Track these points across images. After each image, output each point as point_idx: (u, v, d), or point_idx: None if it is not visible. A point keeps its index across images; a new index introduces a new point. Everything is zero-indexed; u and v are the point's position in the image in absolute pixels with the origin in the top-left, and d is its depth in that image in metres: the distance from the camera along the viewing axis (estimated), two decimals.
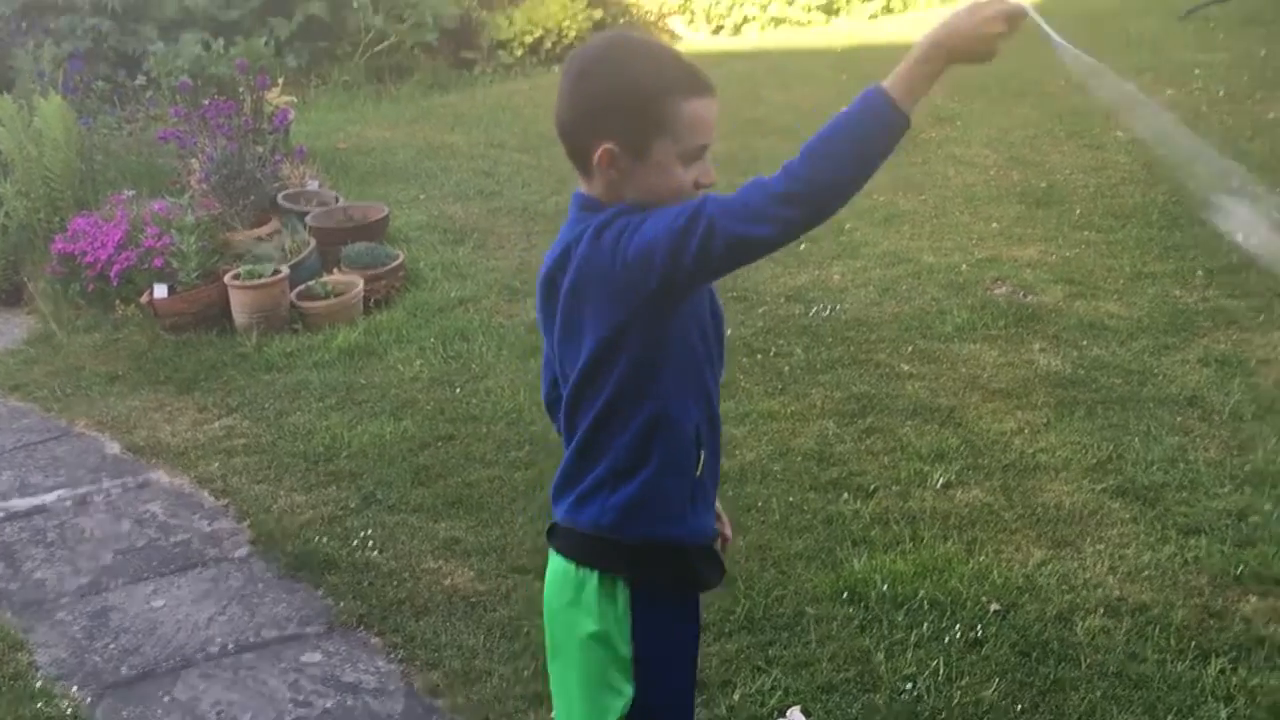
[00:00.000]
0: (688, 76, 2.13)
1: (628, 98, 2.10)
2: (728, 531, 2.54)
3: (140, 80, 9.87)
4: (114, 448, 5.52)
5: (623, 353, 2.14)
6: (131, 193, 7.47)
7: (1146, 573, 3.83)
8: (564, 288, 2.16)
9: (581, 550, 2.29)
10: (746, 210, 1.93)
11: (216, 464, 5.22)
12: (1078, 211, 7.02)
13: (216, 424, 5.63)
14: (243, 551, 4.54)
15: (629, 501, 2.23)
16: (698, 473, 2.25)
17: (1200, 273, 6.05)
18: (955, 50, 1.97)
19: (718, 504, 2.44)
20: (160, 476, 5.20)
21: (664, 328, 2.13)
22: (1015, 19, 1.97)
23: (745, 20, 14.04)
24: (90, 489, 5.14)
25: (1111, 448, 4.56)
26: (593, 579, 2.26)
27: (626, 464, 2.22)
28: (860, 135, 1.93)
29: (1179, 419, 4.74)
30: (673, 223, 1.98)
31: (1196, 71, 9.22)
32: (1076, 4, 12.50)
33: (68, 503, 5.04)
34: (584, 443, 2.25)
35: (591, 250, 2.08)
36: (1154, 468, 4.40)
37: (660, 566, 2.27)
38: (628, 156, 2.11)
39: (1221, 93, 8.66)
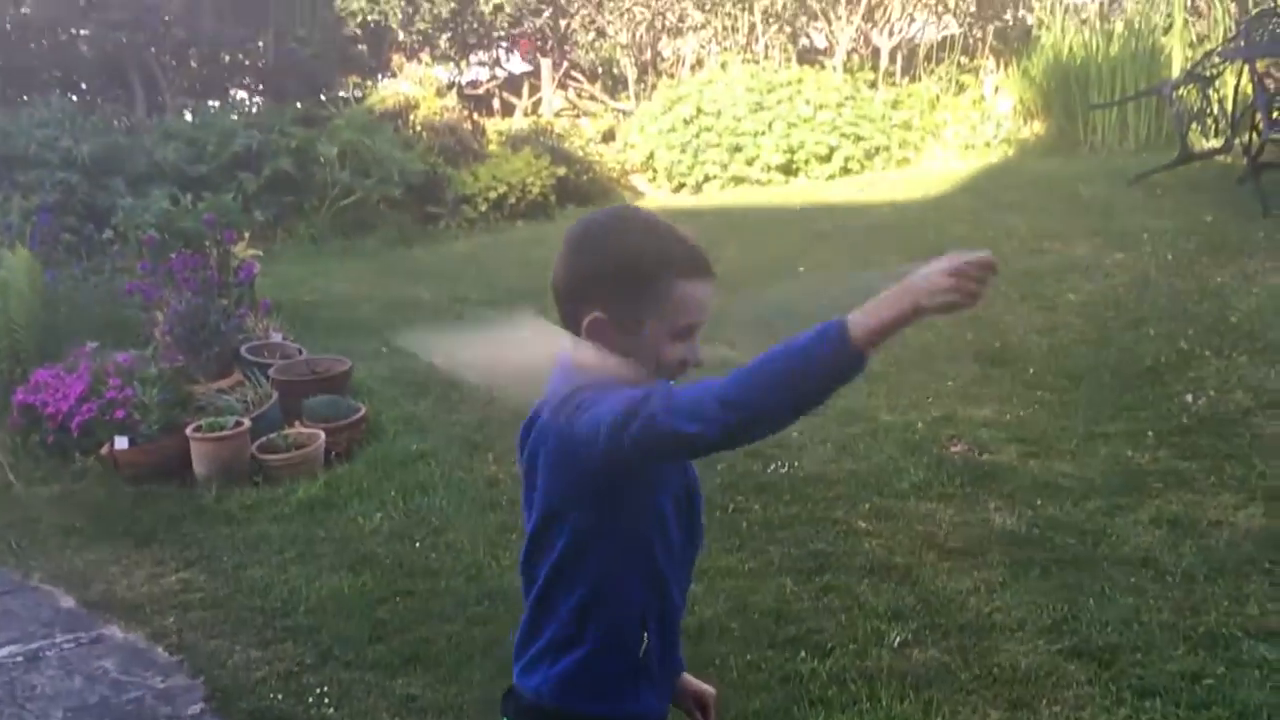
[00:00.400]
0: (688, 257, 2.15)
1: (625, 271, 2.13)
2: (702, 699, 2.50)
3: (108, 234, 9.96)
4: (69, 602, 5.47)
5: (566, 525, 2.16)
6: (95, 345, 7.49)
7: None
8: (527, 448, 2.21)
9: (522, 718, 2.29)
10: (689, 408, 1.91)
11: (172, 618, 5.17)
12: (1031, 371, 7.14)
13: (173, 577, 5.59)
14: (196, 709, 4.49)
15: (565, 675, 2.22)
16: (641, 655, 2.22)
17: (1151, 434, 6.15)
18: (926, 297, 1.84)
19: (688, 677, 2.44)
20: (114, 631, 5.15)
21: (609, 508, 2.13)
22: (989, 274, 1.86)
23: (706, 179, 14.33)
24: (43, 644, 5.08)
25: (1067, 608, 4.60)
26: None
27: (565, 636, 2.21)
28: (807, 367, 1.86)
29: (1133, 579, 4.78)
30: (621, 406, 1.97)
31: (1145, 236, 9.44)
32: (1031, 169, 12.88)
33: (19, 658, 4.97)
34: (534, 606, 2.26)
35: (550, 419, 2.12)
36: (1109, 629, 4.43)
37: None
38: (616, 328, 2.14)
39: (1169, 257, 8.86)
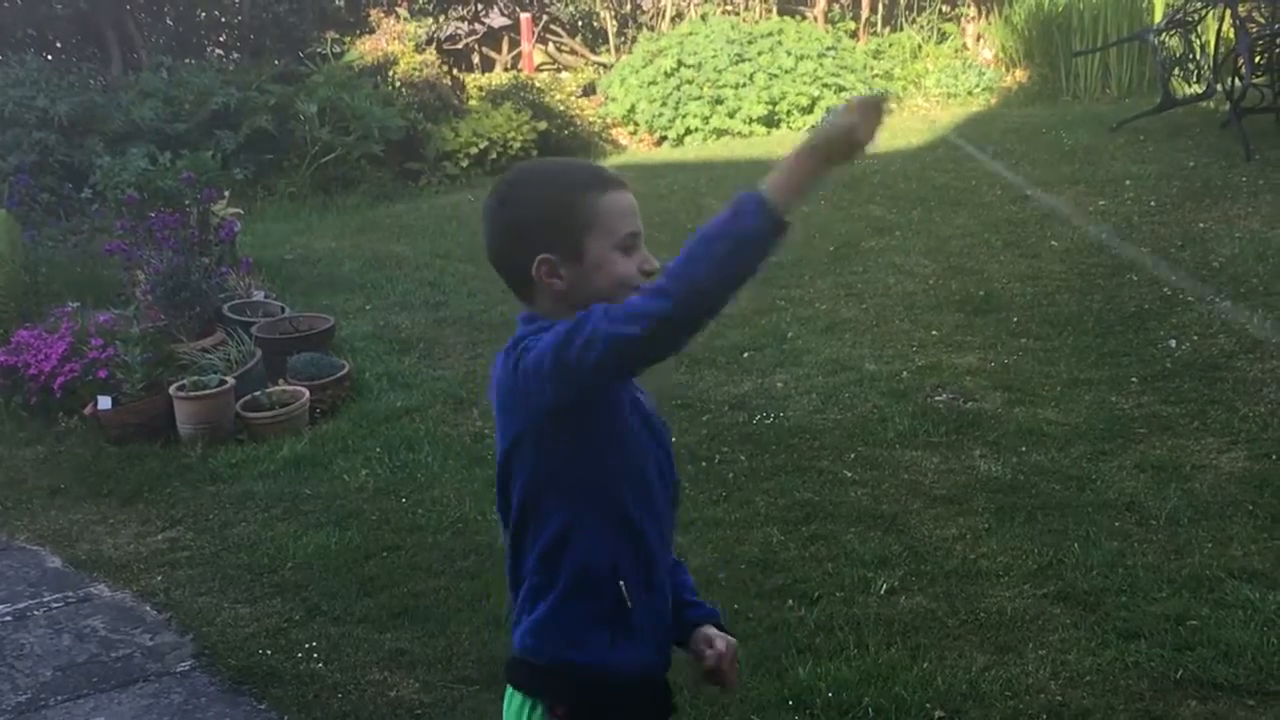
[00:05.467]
0: (595, 175, 2.22)
1: (548, 207, 2.17)
2: (708, 656, 2.36)
3: (86, 193, 9.89)
4: (55, 561, 5.47)
5: (523, 467, 2.16)
6: (76, 305, 7.46)
7: (1088, 678, 3.88)
8: (491, 394, 2.22)
9: (510, 670, 2.29)
10: (626, 312, 1.93)
11: (159, 577, 5.18)
12: (1015, 319, 7.15)
13: (160, 536, 5.59)
14: (185, 666, 4.50)
15: (538, 622, 2.21)
16: (625, 603, 2.19)
17: (1135, 379, 6.17)
18: (828, 147, 1.95)
19: (709, 629, 2.37)
20: (102, 590, 5.15)
21: (564, 450, 2.13)
22: (880, 107, 1.96)
23: (688, 132, 14.25)
24: (30, 604, 5.08)
25: (1052, 553, 4.62)
26: (515, 701, 2.25)
27: (537, 584, 2.21)
28: (735, 242, 1.90)
29: (1117, 524, 4.81)
30: (562, 331, 2.00)
31: (1128, 183, 9.44)
32: (1013, 117, 12.85)
33: (7, 618, 4.98)
34: (511, 554, 2.26)
35: (502, 363, 2.14)
36: (1094, 573, 4.46)
37: (571, 694, 2.21)
38: (566, 262, 2.15)
39: (1152, 203, 8.87)
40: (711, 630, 2.40)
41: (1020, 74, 14.94)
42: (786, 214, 1.90)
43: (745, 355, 6.98)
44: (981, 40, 15.96)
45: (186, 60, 13.93)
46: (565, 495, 2.16)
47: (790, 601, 4.45)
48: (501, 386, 2.16)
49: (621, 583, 2.19)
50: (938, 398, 6.19)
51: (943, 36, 16.14)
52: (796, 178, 1.93)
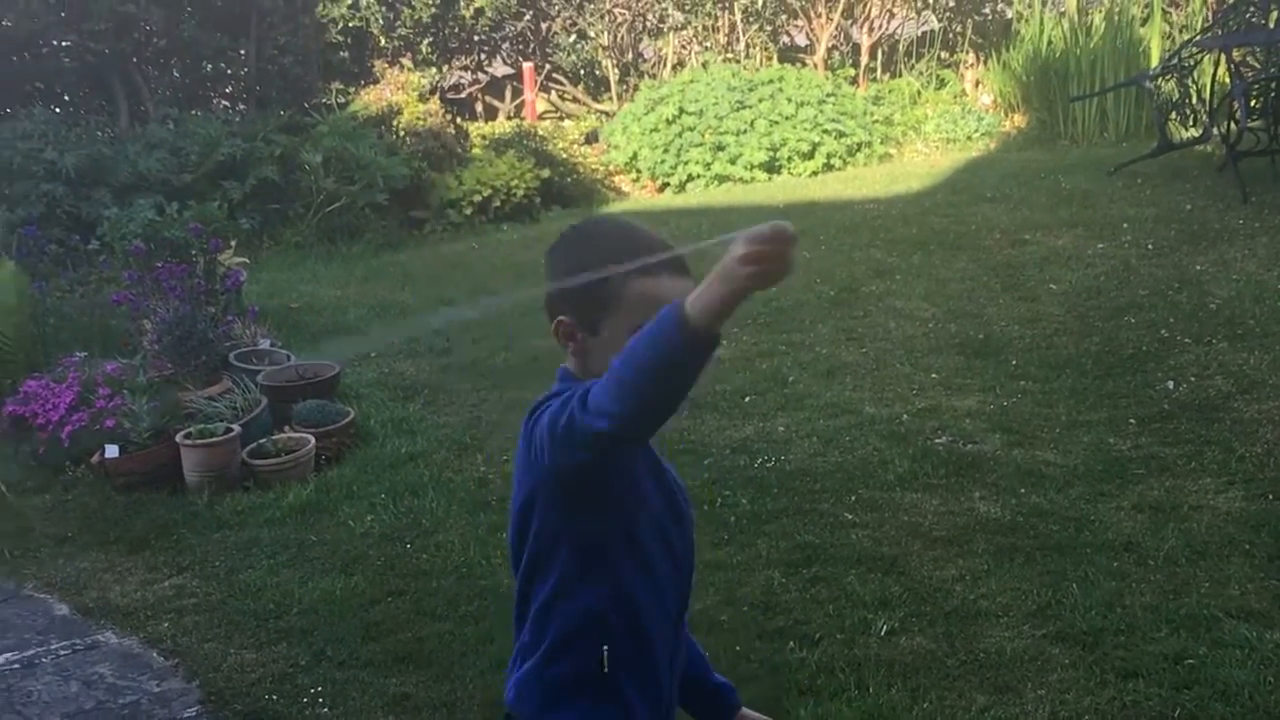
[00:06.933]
0: (646, 253, 2.12)
1: (581, 271, 2.13)
2: None
3: (94, 244, 9.97)
4: (63, 609, 5.51)
5: (530, 526, 2.20)
6: (83, 354, 7.53)
7: (1086, 717, 3.92)
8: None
9: None
10: (595, 405, 1.91)
11: (166, 623, 5.22)
12: (1014, 362, 7.21)
13: (166, 583, 5.63)
14: (192, 712, 4.53)
15: (522, 679, 2.26)
16: (603, 668, 2.21)
17: (1133, 421, 6.22)
18: (734, 280, 1.79)
19: (751, 713, 2.54)
20: (109, 637, 5.19)
21: (566, 515, 2.16)
22: (782, 240, 1.78)
23: (690, 178, 14.35)
24: (38, 651, 5.12)
25: (1051, 593, 4.66)
26: None
27: (528, 640, 2.26)
28: (664, 355, 1.83)
29: (1116, 564, 4.85)
30: (558, 405, 2.00)
31: (1125, 225, 9.52)
32: (1012, 161, 12.94)
33: (15, 665, 5.01)
34: (517, 606, 2.30)
35: (524, 422, 2.16)
36: (1092, 613, 4.50)
37: None
38: (581, 330, 2.18)
39: (1150, 246, 8.94)
40: (756, 716, 2.57)
41: (1019, 119, 15.06)
42: (707, 328, 1.80)
43: (747, 399, 7.03)
44: (980, 86, 16.09)
45: (193, 112, 14.05)
46: (566, 556, 2.19)
47: (791, 643, 4.49)
48: (520, 443, 2.17)
49: (605, 648, 2.21)
50: (937, 440, 6.24)
51: (941, 83, 16.27)
52: (714, 300, 1.79)
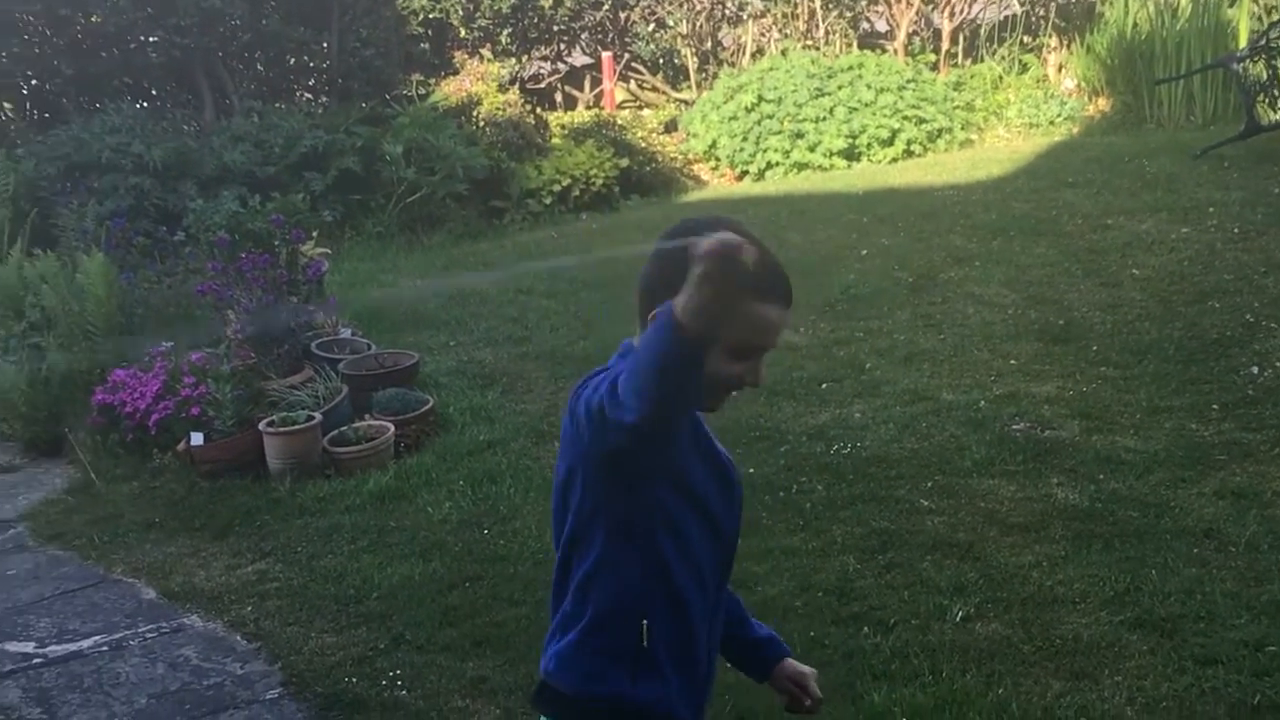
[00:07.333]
0: (760, 278, 2.06)
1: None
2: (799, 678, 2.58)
3: (180, 236, 10.14)
4: (150, 593, 5.64)
5: (571, 499, 2.21)
6: (169, 344, 7.66)
7: (1164, 704, 3.88)
8: None
9: (539, 694, 2.36)
10: (621, 398, 1.94)
11: (249, 607, 5.32)
12: (1095, 348, 7.13)
13: (250, 568, 5.73)
14: (274, 693, 4.62)
15: (562, 652, 2.27)
16: (644, 642, 2.23)
17: (1216, 406, 6.14)
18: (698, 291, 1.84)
19: (794, 665, 2.54)
20: (194, 621, 5.30)
21: (606, 491, 2.16)
22: (727, 255, 1.82)
23: (769, 166, 14.31)
24: (126, 634, 5.24)
25: (1129, 580, 4.62)
26: None
27: (570, 612, 2.27)
28: (663, 355, 1.86)
29: (1196, 551, 4.80)
30: (606, 386, 2.00)
31: (1211, 209, 9.36)
32: (1095, 146, 12.77)
33: (104, 648, 5.14)
34: (555, 580, 2.32)
35: (572, 392, 2.19)
36: (1171, 599, 4.46)
37: None
38: None
39: (1236, 230, 8.79)
40: (798, 667, 2.56)
41: (1103, 103, 14.85)
42: (692, 327, 1.83)
43: (823, 386, 7.02)
44: (1063, 70, 15.88)
45: (276, 105, 14.25)
46: (606, 531, 2.20)
47: (866, 629, 4.49)
48: (565, 416, 2.20)
49: (645, 623, 2.23)
50: (1015, 426, 6.19)
51: (1024, 67, 16.08)
52: (692, 306, 1.82)
